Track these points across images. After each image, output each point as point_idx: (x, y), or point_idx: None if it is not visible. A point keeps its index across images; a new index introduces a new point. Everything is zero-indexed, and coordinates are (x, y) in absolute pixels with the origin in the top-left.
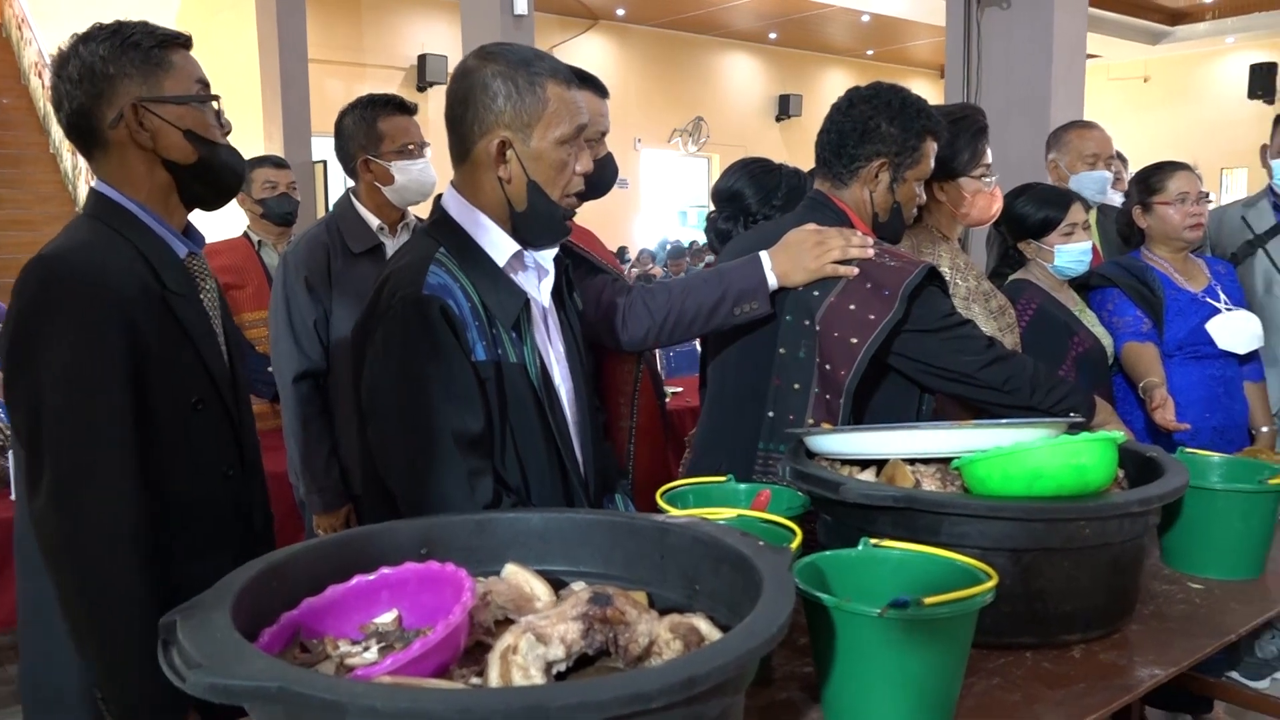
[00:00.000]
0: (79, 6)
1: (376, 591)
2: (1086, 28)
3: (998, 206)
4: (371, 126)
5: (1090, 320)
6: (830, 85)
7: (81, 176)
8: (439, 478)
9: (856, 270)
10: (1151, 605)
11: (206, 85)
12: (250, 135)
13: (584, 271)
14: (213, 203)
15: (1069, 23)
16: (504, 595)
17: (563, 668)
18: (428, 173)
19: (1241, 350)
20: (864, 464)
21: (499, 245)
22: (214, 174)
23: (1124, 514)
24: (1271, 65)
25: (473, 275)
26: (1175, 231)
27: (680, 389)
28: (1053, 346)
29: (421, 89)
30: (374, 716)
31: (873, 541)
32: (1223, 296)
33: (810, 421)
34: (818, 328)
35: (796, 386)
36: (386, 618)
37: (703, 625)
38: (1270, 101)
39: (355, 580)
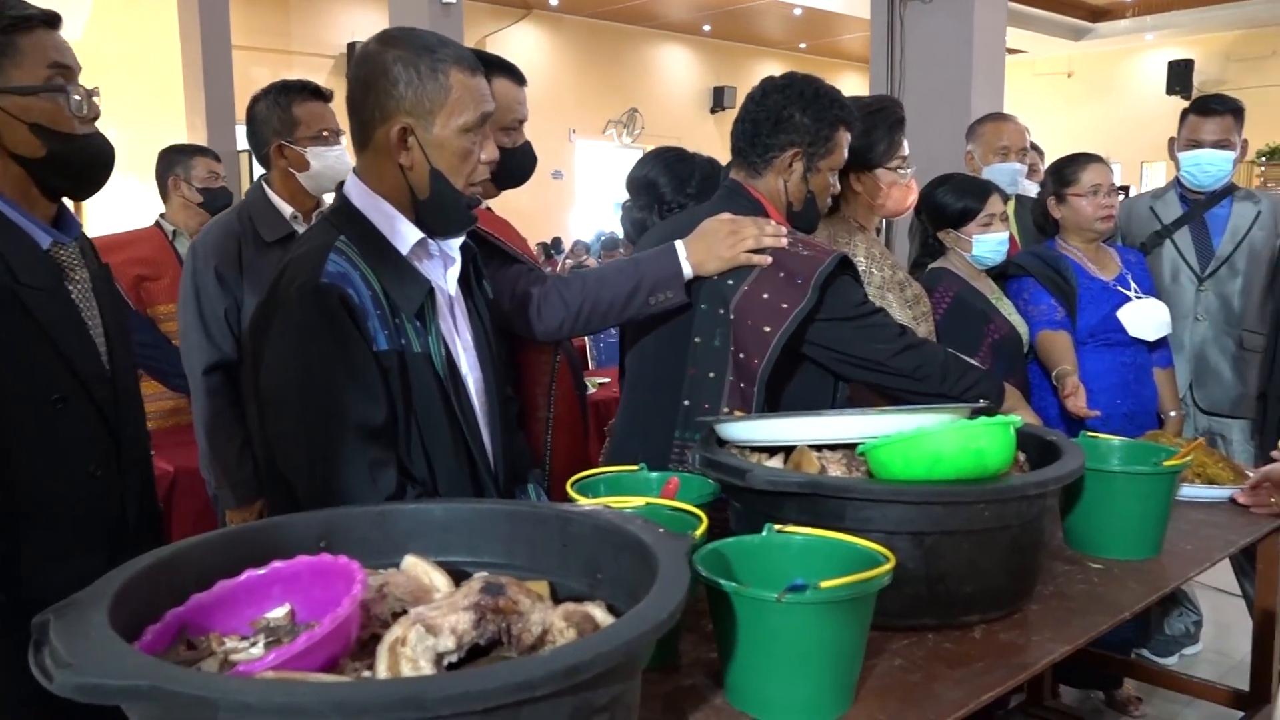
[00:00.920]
0: None
1: (268, 586)
2: (1006, 21)
3: (913, 198)
4: (286, 112)
5: (1007, 309)
6: (764, 78)
7: None
8: (340, 469)
9: (770, 259)
10: (1052, 585)
11: (67, 68)
12: (173, 125)
13: (499, 262)
14: (77, 194)
15: (989, 16)
16: (402, 587)
17: (455, 659)
18: (344, 159)
19: (1151, 337)
20: (773, 451)
21: (402, 233)
22: (69, 167)
23: (1022, 496)
24: (1189, 62)
25: (374, 264)
26: (1087, 222)
27: (609, 379)
28: (969, 334)
29: None
30: (246, 712)
31: (776, 527)
32: (1133, 285)
33: (725, 410)
34: (732, 316)
35: (711, 375)
36: (278, 612)
37: (598, 613)
38: (1187, 97)
39: (245, 575)
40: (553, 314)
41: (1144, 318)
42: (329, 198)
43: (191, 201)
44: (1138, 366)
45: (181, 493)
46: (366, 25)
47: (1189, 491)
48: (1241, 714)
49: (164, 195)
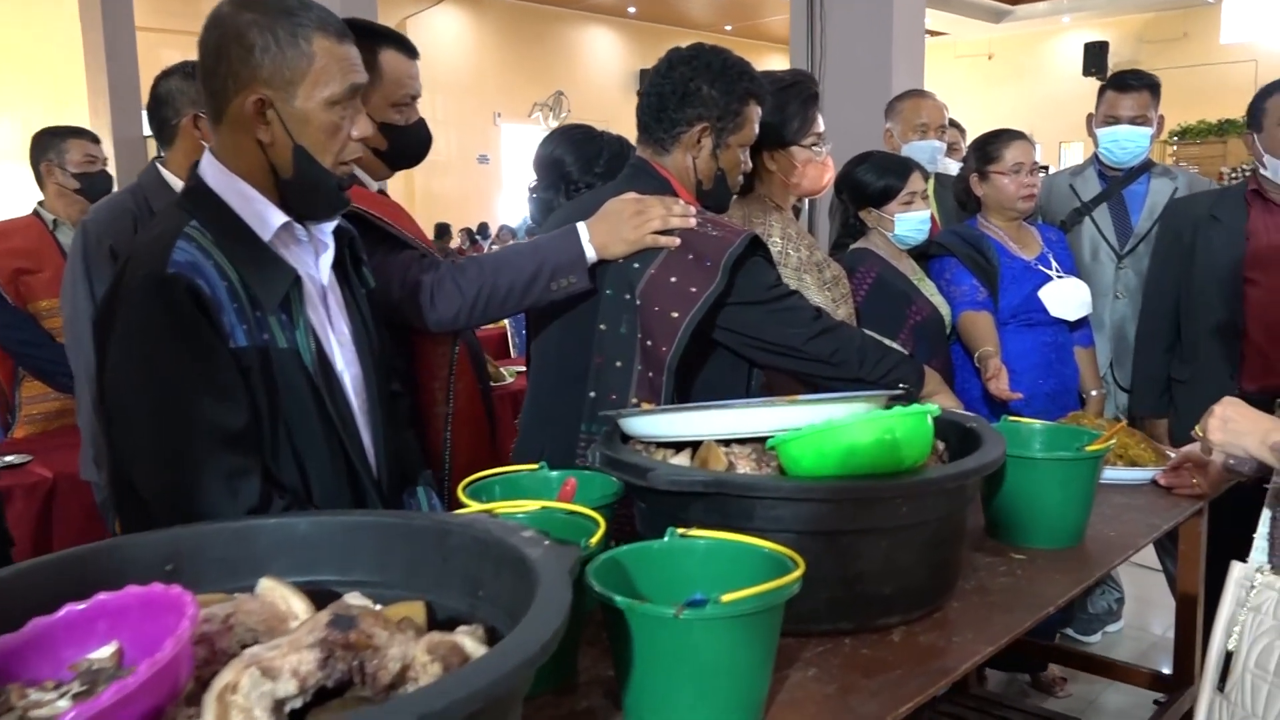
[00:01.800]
0: None
1: (92, 622)
2: (925, 2)
3: (830, 176)
4: None
5: (929, 289)
6: (670, 49)
7: None
8: (194, 481)
9: (678, 241)
10: (974, 580)
11: None
12: (75, 110)
13: (387, 248)
14: None
15: None
16: (255, 615)
17: (299, 704)
18: None
19: (1072, 317)
20: (679, 447)
21: (263, 217)
22: None
23: (939, 490)
24: (1104, 44)
25: (230, 251)
26: (1010, 201)
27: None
28: (890, 316)
29: None
30: None
31: (680, 531)
32: (1054, 264)
33: (634, 400)
34: (638, 302)
35: (618, 364)
36: (103, 653)
37: (468, 643)
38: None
39: (64, 610)
40: (447, 303)
41: (1065, 297)
42: None
43: (67, 188)
44: (1059, 346)
45: (64, 501)
46: None
47: (1111, 474)
48: (1163, 696)
49: (40, 183)
